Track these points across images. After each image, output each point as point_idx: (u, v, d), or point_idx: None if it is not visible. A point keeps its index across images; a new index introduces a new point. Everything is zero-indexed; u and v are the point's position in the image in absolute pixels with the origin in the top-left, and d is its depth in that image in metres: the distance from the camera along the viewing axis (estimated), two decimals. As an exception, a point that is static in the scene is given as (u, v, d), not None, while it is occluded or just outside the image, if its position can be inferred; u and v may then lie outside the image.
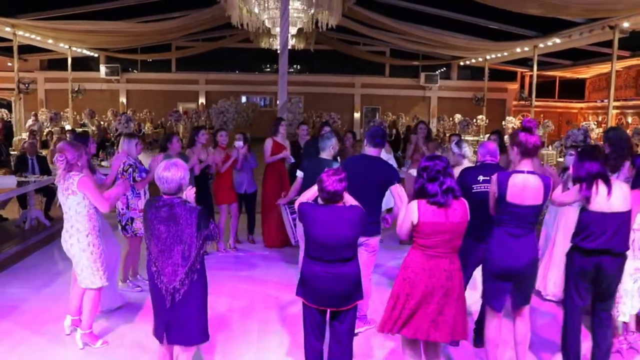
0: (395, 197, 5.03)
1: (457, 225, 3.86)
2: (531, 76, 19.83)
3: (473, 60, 24.08)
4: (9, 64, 19.15)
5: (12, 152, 13.21)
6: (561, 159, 13.50)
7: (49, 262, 7.44)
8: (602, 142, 6.14)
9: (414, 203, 3.89)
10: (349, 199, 4.12)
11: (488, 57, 21.90)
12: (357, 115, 27.91)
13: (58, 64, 24.53)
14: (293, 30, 14.46)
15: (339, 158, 6.63)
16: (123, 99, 27.03)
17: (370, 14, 16.17)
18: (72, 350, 4.88)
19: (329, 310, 4.15)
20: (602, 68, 21.69)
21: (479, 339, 4.79)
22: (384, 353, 4.98)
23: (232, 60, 27.87)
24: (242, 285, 6.62)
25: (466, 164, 6.43)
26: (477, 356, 4.85)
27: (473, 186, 4.80)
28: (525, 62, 22.85)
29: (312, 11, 13.29)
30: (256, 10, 13.30)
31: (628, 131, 13.79)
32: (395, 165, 8.15)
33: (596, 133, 16.91)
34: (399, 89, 27.75)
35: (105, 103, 25.16)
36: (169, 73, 27.59)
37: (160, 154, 6.73)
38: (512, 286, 4.22)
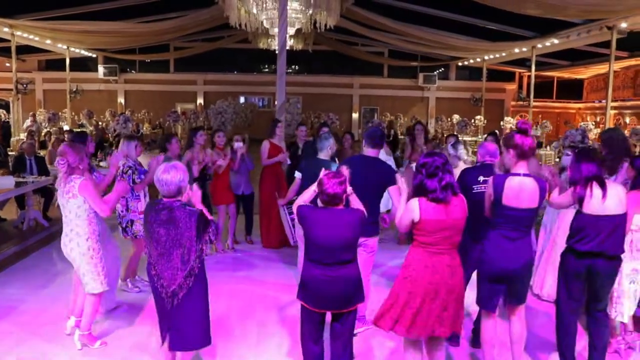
0: (394, 197, 5.04)
1: (458, 221, 3.89)
2: (529, 76, 19.84)
3: (471, 61, 24.10)
4: (7, 64, 19.10)
5: (10, 153, 13.19)
6: (559, 160, 13.50)
7: (48, 263, 7.43)
8: (599, 144, 6.14)
9: (415, 201, 3.89)
10: (355, 202, 4.12)
11: (486, 57, 21.92)
12: (355, 115, 27.92)
13: (56, 64, 24.51)
14: (291, 31, 14.46)
15: (336, 159, 6.63)
16: (121, 100, 27.00)
17: (368, 14, 16.18)
18: (71, 350, 4.87)
19: (329, 313, 4.15)
20: (600, 68, 21.74)
21: (476, 340, 4.80)
22: (384, 353, 4.98)
23: (231, 61, 27.86)
24: (240, 286, 6.62)
25: (461, 165, 6.44)
26: (473, 357, 4.85)
27: (473, 187, 4.81)
28: (523, 62, 22.87)
29: (310, 12, 13.28)
30: (254, 11, 13.30)
31: (626, 131, 13.82)
32: (394, 166, 8.16)
33: (594, 133, 16.93)
34: (398, 89, 27.76)
35: (103, 103, 25.15)
36: (167, 73, 27.58)
37: (161, 155, 6.73)
38: (506, 287, 4.23)
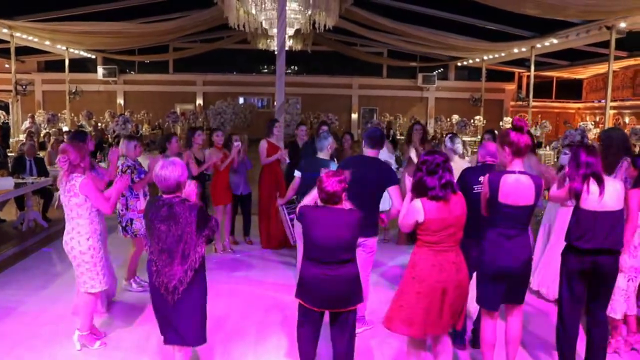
0: (393, 197, 5.04)
1: (459, 217, 3.91)
2: (528, 76, 19.84)
3: (470, 61, 24.10)
4: (6, 65, 19.09)
5: (9, 154, 13.19)
6: (557, 160, 13.50)
7: (47, 264, 7.43)
8: (598, 143, 6.14)
9: (418, 202, 3.89)
10: (346, 203, 4.12)
11: (485, 57, 21.93)
12: (354, 116, 27.91)
13: (55, 65, 24.48)
14: (290, 31, 14.46)
15: (335, 159, 6.63)
16: (120, 101, 26.99)
17: (367, 14, 16.18)
18: (70, 351, 4.86)
19: (327, 313, 4.14)
20: (599, 68, 21.75)
21: (476, 340, 4.79)
22: (383, 353, 4.98)
23: (230, 62, 27.84)
24: (239, 286, 6.62)
25: (457, 160, 6.44)
26: (473, 357, 4.85)
27: (474, 187, 4.80)
28: (522, 62, 22.88)
29: (309, 12, 13.28)
30: (253, 11, 13.30)
31: (625, 131, 13.80)
32: (395, 166, 8.17)
33: (593, 133, 16.93)
34: (397, 89, 27.77)
35: (102, 104, 25.13)
36: (167, 74, 27.56)
37: (160, 155, 6.74)
38: (506, 287, 4.22)
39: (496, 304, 4.25)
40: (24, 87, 17.59)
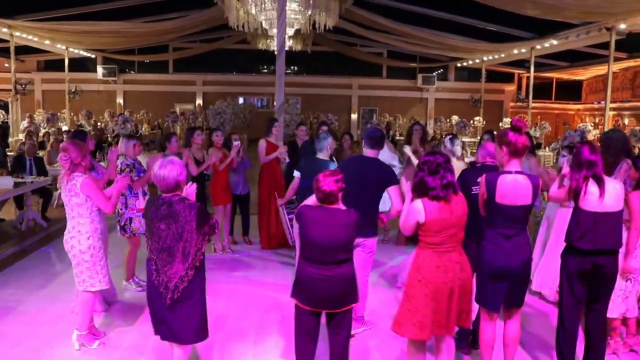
0: (393, 198, 5.04)
1: (461, 218, 3.92)
2: (528, 77, 19.87)
3: (470, 62, 24.12)
4: (6, 64, 19.11)
5: (8, 153, 13.18)
6: (556, 162, 13.52)
7: (46, 264, 7.43)
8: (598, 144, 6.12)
9: (419, 203, 3.89)
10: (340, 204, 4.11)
11: (485, 58, 21.94)
12: (354, 116, 27.91)
13: (55, 65, 24.48)
14: (290, 32, 14.46)
15: (334, 158, 6.63)
16: (120, 100, 26.98)
17: (367, 14, 16.18)
18: (69, 351, 4.86)
19: (324, 313, 4.14)
20: (599, 70, 21.76)
21: (475, 340, 4.79)
22: (382, 354, 4.98)
23: (230, 62, 27.83)
24: (239, 286, 6.62)
25: (454, 162, 6.44)
26: (471, 357, 4.84)
27: (472, 188, 4.80)
28: (522, 63, 22.87)
29: (309, 12, 13.29)
30: (253, 11, 13.30)
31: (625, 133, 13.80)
32: (398, 165, 8.15)
33: (593, 134, 16.94)
34: (397, 90, 27.76)
35: (102, 104, 25.11)
36: (166, 74, 27.55)
37: (159, 154, 6.74)
38: (507, 287, 4.22)
39: (497, 305, 4.24)
40: (23, 86, 17.59)
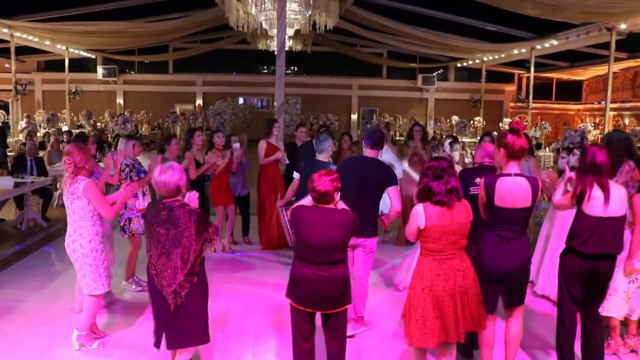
0: (392, 198, 5.04)
1: (463, 226, 3.89)
2: (528, 78, 19.87)
3: (470, 62, 24.12)
4: (6, 65, 19.12)
5: (9, 154, 13.19)
6: (555, 164, 13.52)
7: (46, 263, 7.43)
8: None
9: (420, 207, 3.89)
10: (340, 204, 4.10)
11: (485, 58, 21.94)
12: (354, 116, 27.91)
13: (55, 65, 24.51)
14: (290, 32, 14.47)
15: (331, 159, 6.63)
16: (120, 100, 26.99)
17: (367, 14, 16.18)
18: (69, 351, 4.86)
19: (319, 314, 4.13)
20: (599, 70, 21.77)
21: (475, 340, 4.78)
22: (382, 354, 4.98)
23: (230, 62, 27.82)
24: (238, 287, 6.62)
25: None
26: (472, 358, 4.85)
27: (470, 188, 4.80)
28: (522, 63, 22.89)
29: (309, 13, 13.29)
30: (253, 12, 13.31)
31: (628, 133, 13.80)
32: (399, 168, 8.15)
33: (593, 135, 16.95)
34: (397, 90, 27.76)
35: (102, 104, 25.13)
36: (166, 74, 27.56)
37: (159, 156, 6.73)
38: (505, 289, 4.22)
39: (492, 307, 4.23)
40: (23, 86, 17.61)
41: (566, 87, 27.17)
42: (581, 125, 18.81)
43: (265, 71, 28.61)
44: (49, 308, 5.81)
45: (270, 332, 5.36)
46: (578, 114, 26.67)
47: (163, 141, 7.39)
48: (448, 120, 23.42)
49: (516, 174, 4.11)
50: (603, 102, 16.46)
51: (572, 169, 4.59)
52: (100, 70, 25.90)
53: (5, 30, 15.49)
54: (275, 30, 12.25)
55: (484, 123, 22.79)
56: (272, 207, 7.82)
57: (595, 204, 4.15)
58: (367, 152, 5.27)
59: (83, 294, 5.06)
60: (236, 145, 7.78)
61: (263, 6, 12.87)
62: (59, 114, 19.79)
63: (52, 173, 10.53)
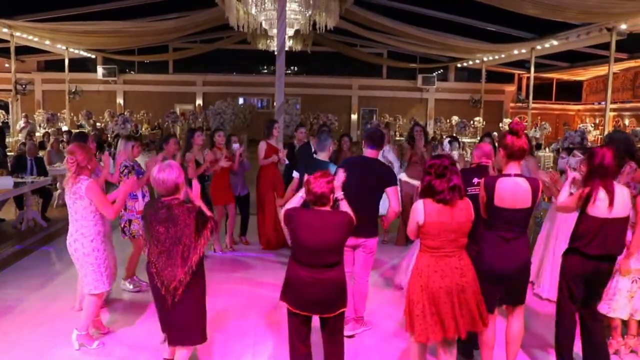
0: (391, 198, 5.03)
1: (463, 224, 3.90)
2: (528, 78, 19.87)
3: (470, 62, 24.11)
4: (6, 65, 19.11)
5: (9, 153, 13.18)
6: (554, 164, 13.52)
7: (46, 263, 7.43)
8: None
9: (420, 203, 3.90)
10: (345, 207, 4.09)
11: (485, 59, 21.93)
12: (354, 117, 27.89)
13: (55, 65, 24.50)
14: (290, 32, 14.46)
15: (331, 159, 6.63)
16: (120, 100, 26.97)
17: (367, 14, 16.17)
18: (69, 351, 4.86)
19: (316, 317, 4.10)
20: (599, 70, 21.76)
21: (475, 340, 4.77)
22: (382, 354, 4.98)
23: (230, 62, 27.79)
24: (238, 286, 6.61)
25: None
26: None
27: (468, 189, 4.80)
28: (522, 64, 22.89)
29: (309, 13, 13.29)
30: (253, 12, 13.31)
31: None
32: (398, 169, 8.15)
33: (593, 135, 16.93)
34: (397, 90, 27.73)
35: (102, 104, 25.11)
36: (166, 74, 27.53)
37: (158, 155, 6.73)
38: (504, 288, 4.21)
39: (492, 307, 4.23)
40: (23, 86, 17.60)
41: (566, 87, 27.17)
42: (581, 125, 18.78)
43: (265, 71, 28.59)
44: (49, 308, 5.80)
45: (270, 332, 5.36)
46: (578, 114, 26.66)
47: (162, 141, 7.38)
48: (448, 121, 23.42)
49: (516, 175, 4.11)
50: (603, 103, 16.45)
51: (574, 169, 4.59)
52: (100, 70, 25.88)
53: (5, 30, 15.49)
54: (275, 30, 12.24)
55: (484, 123, 22.79)
56: (272, 207, 7.82)
57: (600, 206, 4.14)
58: (367, 152, 5.27)
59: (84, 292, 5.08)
60: (236, 145, 7.78)
61: (263, 6, 12.86)
62: (58, 114, 19.79)
63: (52, 173, 10.53)
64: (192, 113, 22.87)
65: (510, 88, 27.50)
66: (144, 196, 6.25)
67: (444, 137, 8.42)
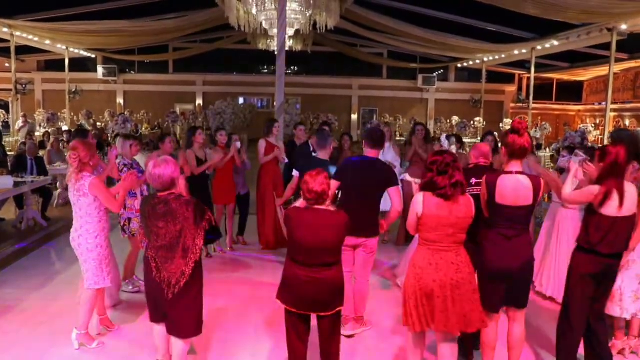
0: (393, 198, 5.02)
1: (461, 220, 3.90)
2: (529, 78, 19.85)
3: (471, 63, 24.11)
4: (7, 64, 19.12)
5: (9, 153, 13.18)
6: (553, 164, 13.50)
7: (46, 263, 7.43)
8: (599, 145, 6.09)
9: (419, 195, 3.92)
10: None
11: (486, 59, 21.93)
12: (354, 116, 27.90)
13: (55, 64, 24.51)
14: (290, 32, 14.46)
15: (332, 159, 6.62)
16: (120, 100, 26.98)
17: (368, 14, 16.16)
18: (69, 350, 4.85)
19: (313, 315, 4.10)
20: (600, 70, 21.75)
21: (476, 341, 4.76)
22: (381, 354, 4.97)
23: (230, 62, 27.80)
24: (238, 286, 6.61)
25: None
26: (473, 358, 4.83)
27: (466, 189, 4.78)
28: (522, 64, 22.89)
29: (310, 13, 13.28)
30: (254, 12, 13.30)
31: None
32: (399, 168, 8.14)
33: (593, 135, 16.93)
34: (397, 90, 27.74)
35: (102, 104, 25.12)
36: (167, 74, 27.55)
37: (154, 152, 6.74)
38: (507, 288, 4.19)
39: (496, 306, 4.22)
40: (23, 86, 17.60)
41: (567, 87, 27.16)
42: (582, 126, 18.78)
43: (266, 71, 28.60)
44: (49, 307, 5.80)
45: (269, 331, 5.34)
46: (578, 114, 26.64)
47: (157, 140, 7.38)
48: (448, 121, 23.42)
49: (518, 172, 4.10)
50: (604, 103, 16.44)
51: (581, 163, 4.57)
52: (100, 69, 25.89)
53: (5, 29, 15.49)
54: (275, 30, 12.24)
55: (484, 123, 22.78)
56: (272, 206, 7.80)
57: (612, 205, 4.12)
58: (368, 151, 5.25)
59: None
60: (237, 144, 7.78)
61: (263, 6, 12.86)
62: (59, 114, 19.78)
63: (52, 172, 10.53)
64: (192, 113, 22.87)
65: (511, 88, 27.50)
66: (142, 195, 6.23)
67: (441, 133, 8.42)
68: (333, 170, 5.34)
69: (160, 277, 3.95)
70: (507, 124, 20.86)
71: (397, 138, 20.28)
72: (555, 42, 16.37)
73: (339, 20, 14.13)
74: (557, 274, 6.14)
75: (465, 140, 19.04)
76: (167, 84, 27.26)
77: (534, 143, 13.52)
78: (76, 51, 21.74)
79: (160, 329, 4.24)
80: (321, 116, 21.07)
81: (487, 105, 24.59)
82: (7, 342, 5.01)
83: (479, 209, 4.32)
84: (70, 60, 21.50)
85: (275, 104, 11.43)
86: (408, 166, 8.51)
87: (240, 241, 8.43)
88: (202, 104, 26.70)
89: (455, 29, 17.25)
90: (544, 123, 19.17)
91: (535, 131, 18.17)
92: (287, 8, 11.67)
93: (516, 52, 19.12)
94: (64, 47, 20.25)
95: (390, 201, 5.09)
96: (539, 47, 17.33)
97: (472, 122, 22.30)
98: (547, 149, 17.27)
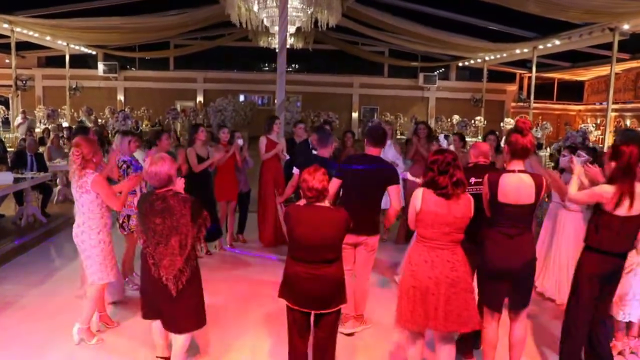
0: (392, 197, 5.01)
1: (459, 219, 3.89)
2: (530, 78, 19.82)
3: (472, 62, 24.07)
4: (7, 60, 19.11)
5: (9, 149, 13.17)
6: (553, 164, 13.50)
7: (46, 259, 7.43)
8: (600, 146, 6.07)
9: (419, 191, 3.93)
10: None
11: (487, 58, 21.89)
12: (355, 115, 27.86)
13: (56, 61, 24.48)
14: (292, 29, 14.43)
15: (334, 157, 6.61)
16: (121, 97, 26.94)
17: (369, 12, 16.13)
18: (68, 345, 4.85)
19: (313, 313, 4.09)
20: (601, 70, 21.72)
21: (477, 340, 4.75)
22: (381, 353, 4.96)
23: (231, 59, 27.78)
24: (238, 284, 6.60)
25: None
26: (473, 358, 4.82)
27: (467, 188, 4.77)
28: (524, 63, 22.86)
29: (311, 10, 13.25)
30: (255, 9, 13.27)
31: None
32: (401, 165, 8.12)
33: (594, 135, 16.92)
34: (398, 89, 27.70)
35: (103, 100, 25.08)
36: (167, 71, 27.51)
37: (152, 149, 6.74)
38: (509, 287, 4.17)
39: (498, 305, 4.20)
40: (24, 82, 17.58)
41: (568, 87, 27.13)
42: (582, 125, 18.76)
43: (266, 69, 28.58)
44: (48, 303, 5.80)
45: (269, 329, 5.34)
46: (579, 114, 26.62)
47: (153, 137, 7.37)
48: (449, 120, 23.39)
49: (520, 171, 4.09)
50: (605, 103, 16.42)
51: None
52: (100, 66, 25.85)
53: (5, 25, 15.47)
54: (276, 28, 12.21)
55: (485, 123, 22.77)
56: (273, 203, 7.79)
57: (625, 205, 4.09)
58: (369, 149, 5.23)
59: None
60: (240, 141, 7.77)
61: (265, 3, 12.83)
62: (59, 110, 19.75)
63: (52, 169, 10.51)
64: (192, 110, 22.85)
65: (512, 87, 27.47)
66: (142, 192, 6.21)
67: (439, 132, 8.41)
68: (333, 167, 5.33)
69: (158, 273, 3.96)
70: (508, 123, 20.82)
71: (398, 137, 20.28)
72: (557, 42, 16.34)
73: (340, 18, 14.09)
74: (555, 275, 6.13)
75: (466, 139, 19.06)
76: (167, 81, 27.23)
77: (535, 143, 13.52)
78: (77, 47, 21.72)
79: (157, 325, 4.25)
80: (322, 114, 21.05)
81: (488, 105, 24.56)
82: (7, 337, 5.01)
83: (479, 209, 4.30)
84: (71, 56, 21.47)
85: (275, 101, 11.41)
86: (410, 165, 8.50)
87: (240, 239, 8.41)
88: (202, 101, 26.68)
89: (457, 27, 17.22)
90: (544, 122, 19.16)
91: (536, 131, 18.15)
92: (289, 5, 11.63)
93: (518, 51, 19.09)
94: (65, 44, 20.23)
95: (389, 200, 5.08)
96: (540, 47, 17.29)
97: (472, 121, 22.29)
98: (548, 149, 17.27)
